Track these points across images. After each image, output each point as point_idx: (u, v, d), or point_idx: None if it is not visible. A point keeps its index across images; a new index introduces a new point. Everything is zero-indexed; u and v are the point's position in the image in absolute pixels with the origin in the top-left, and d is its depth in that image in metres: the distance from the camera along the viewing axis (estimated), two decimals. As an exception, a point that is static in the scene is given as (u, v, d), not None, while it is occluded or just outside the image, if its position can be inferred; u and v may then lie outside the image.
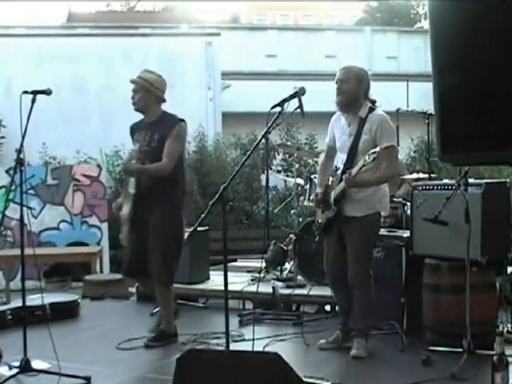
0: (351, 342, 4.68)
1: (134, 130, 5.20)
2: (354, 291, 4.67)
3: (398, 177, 7.09)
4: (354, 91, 4.56)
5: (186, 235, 4.97)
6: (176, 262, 5.06)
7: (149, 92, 5.01)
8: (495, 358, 2.99)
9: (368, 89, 4.65)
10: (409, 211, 5.59)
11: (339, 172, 4.65)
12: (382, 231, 5.52)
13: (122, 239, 5.05)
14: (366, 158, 4.32)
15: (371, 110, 4.60)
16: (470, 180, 4.51)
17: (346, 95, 4.56)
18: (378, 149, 4.31)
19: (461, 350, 4.22)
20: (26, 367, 4.10)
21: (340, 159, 4.71)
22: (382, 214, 4.82)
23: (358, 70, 4.65)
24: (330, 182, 4.75)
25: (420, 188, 5.01)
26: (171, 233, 4.94)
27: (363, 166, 4.35)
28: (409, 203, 5.61)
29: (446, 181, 5.03)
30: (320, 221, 4.81)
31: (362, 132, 4.53)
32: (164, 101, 5.12)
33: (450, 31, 2.24)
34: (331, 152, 4.88)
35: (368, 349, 4.61)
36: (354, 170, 4.41)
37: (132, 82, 5.08)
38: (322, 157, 5.08)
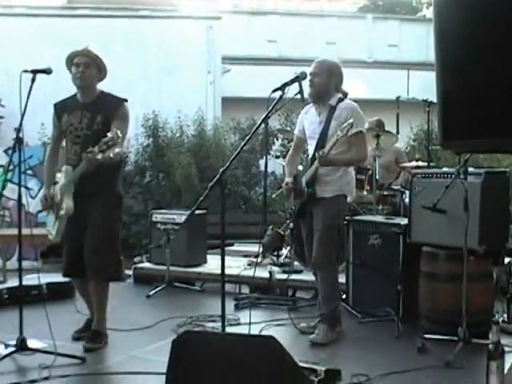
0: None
1: (61, 110, 4.65)
2: (317, 275, 4.76)
3: (398, 165, 7.11)
4: (324, 84, 4.69)
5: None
6: (119, 252, 4.68)
7: (100, 69, 4.65)
8: (491, 346, 2.99)
9: (340, 82, 4.78)
10: (407, 199, 5.59)
11: (309, 158, 4.77)
12: (380, 218, 5.54)
13: (56, 234, 4.62)
14: (339, 132, 4.43)
15: (341, 99, 4.73)
16: (470, 169, 4.51)
17: (316, 88, 4.69)
18: (351, 120, 4.40)
19: (456, 338, 4.24)
20: (21, 346, 4.11)
21: (310, 146, 4.85)
22: (348, 199, 4.87)
23: (329, 64, 4.76)
24: (299, 170, 4.93)
25: (419, 176, 5.00)
26: (115, 223, 4.62)
27: (337, 140, 4.44)
28: (407, 191, 5.61)
29: (445, 169, 5.03)
30: (293, 207, 4.90)
31: (332, 118, 4.67)
32: (102, 79, 4.73)
33: (454, 20, 2.23)
34: (299, 143, 5.07)
35: (331, 336, 4.62)
36: (327, 147, 4.51)
37: (83, 53, 4.57)
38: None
